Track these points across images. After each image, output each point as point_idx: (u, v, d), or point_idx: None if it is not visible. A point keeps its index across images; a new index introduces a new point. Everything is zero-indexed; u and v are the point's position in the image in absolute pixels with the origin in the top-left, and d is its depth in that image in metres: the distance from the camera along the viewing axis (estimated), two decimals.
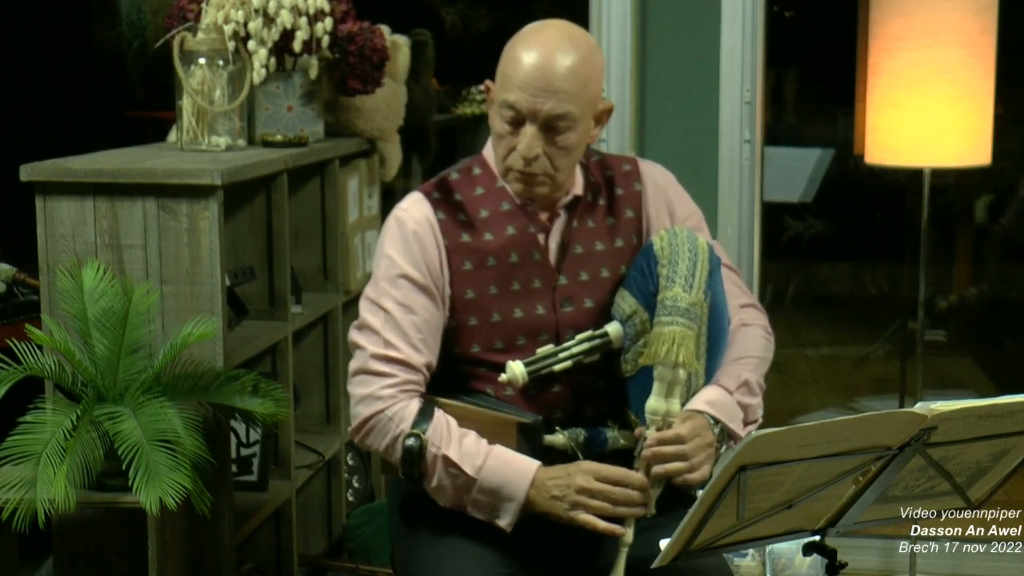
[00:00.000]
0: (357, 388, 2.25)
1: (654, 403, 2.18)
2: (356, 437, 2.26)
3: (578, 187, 2.32)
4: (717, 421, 2.21)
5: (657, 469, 2.16)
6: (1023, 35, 4.75)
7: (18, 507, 2.35)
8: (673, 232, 2.24)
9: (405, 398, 2.22)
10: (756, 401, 2.30)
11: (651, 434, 2.17)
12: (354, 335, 2.27)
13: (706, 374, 2.25)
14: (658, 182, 2.39)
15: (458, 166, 2.36)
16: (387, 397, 2.21)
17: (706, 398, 2.22)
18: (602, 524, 2.14)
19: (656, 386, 2.17)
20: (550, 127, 2.19)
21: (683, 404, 2.20)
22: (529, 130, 2.19)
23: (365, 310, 2.27)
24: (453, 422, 2.21)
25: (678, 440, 2.16)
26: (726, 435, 2.23)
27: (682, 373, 2.17)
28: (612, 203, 2.34)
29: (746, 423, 2.27)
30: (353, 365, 2.27)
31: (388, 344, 2.22)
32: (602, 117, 2.29)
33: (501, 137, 2.24)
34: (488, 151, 2.34)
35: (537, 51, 2.19)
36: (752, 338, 2.35)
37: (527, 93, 2.18)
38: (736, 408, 2.25)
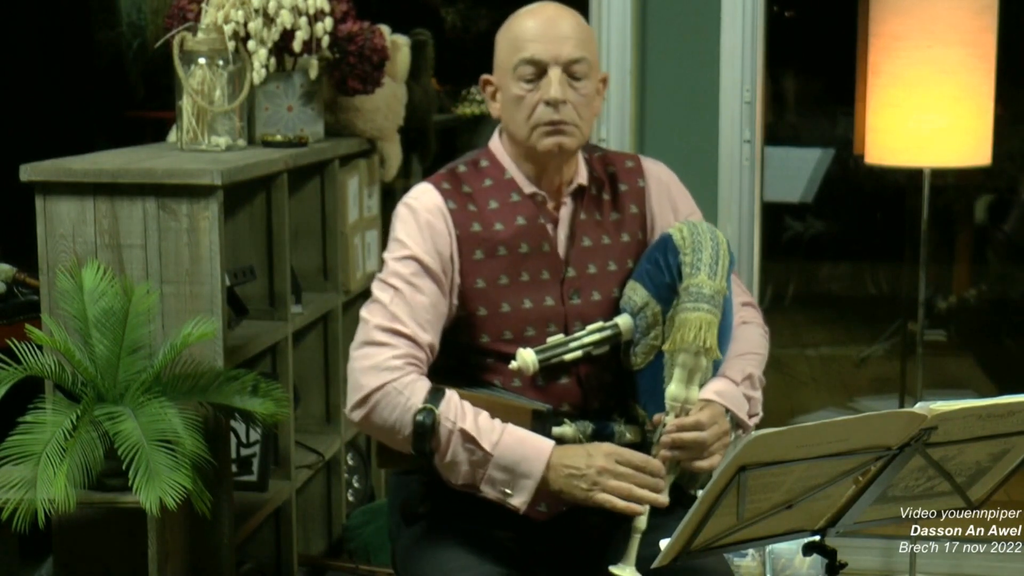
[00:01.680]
0: (361, 361, 2.20)
1: (675, 389, 2.18)
2: (358, 412, 2.19)
3: (582, 177, 2.34)
4: (728, 410, 2.23)
5: (674, 454, 2.17)
6: (1023, 35, 4.74)
7: (18, 507, 2.35)
8: (691, 224, 2.26)
9: (413, 372, 2.19)
10: (758, 395, 2.33)
11: (671, 420, 2.18)
12: (362, 311, 2.26)
13: (712, 367, 2.26)
14: (661, 179, 2.41)
15: (464, 159, 2.37)
16: (395, 368, 2.17)
17: (715, 388, 2.24)
18: (620, 503, 2.13)
19: (678, 372, 2.18)
20: (570, 73, 2.24)
21: None
22: (554, 74, 2.23)
23: (375, 289, 2.26)
24: (466, 401, 2.20)
25: (698, 427, 2.17)
26: (735, 424, 2.25)
27: (704, 360, 2.18)
28: (616, 198, 2.36)
29: (750, 415, 2.29)
30: (357, 338, 2.24)
31: (394, 317, 2.21)
32: (601, 87, 2.33)
33: (520, 99, 2.25)
34: (495, 144, 2.35)
35: (541, 14, 2.28)
36: (753, 336, 2.38)
37: (544, 43, 2.24)
38: (743, 399, 2.27)
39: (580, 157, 2.35)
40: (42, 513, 2.33)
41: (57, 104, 5.62)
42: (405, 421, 2.17)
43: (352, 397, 2.21)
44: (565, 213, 2.32)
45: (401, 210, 2.29)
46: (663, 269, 2.23)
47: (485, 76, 2.33)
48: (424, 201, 2.27)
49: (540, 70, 2.23)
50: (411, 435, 2.16)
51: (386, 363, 2.18)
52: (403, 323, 2.21)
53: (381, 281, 2.26)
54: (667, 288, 2.22)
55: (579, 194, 2.33)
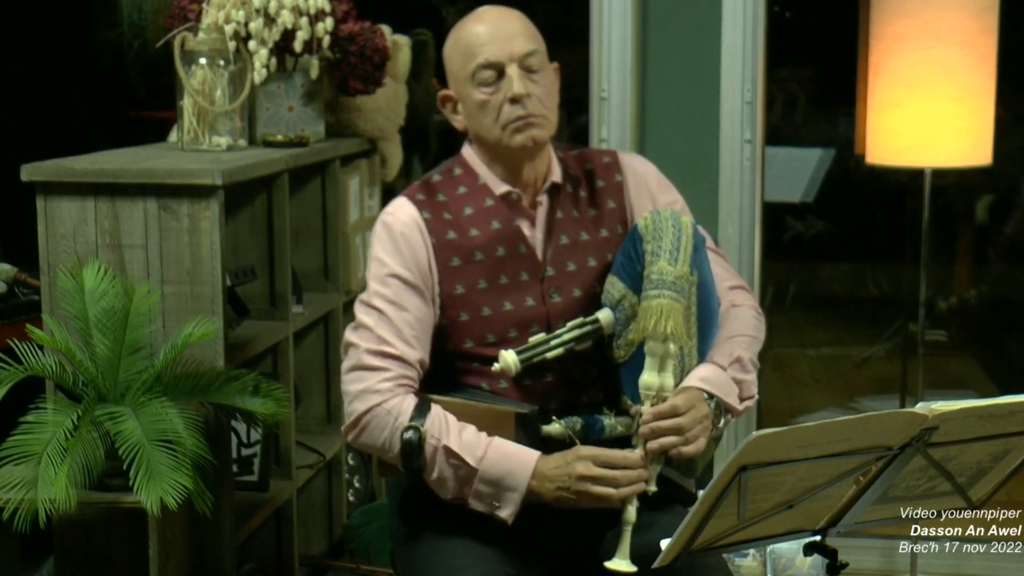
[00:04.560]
0: (352, 385, 2.25)
1: (647, 378, 2.19)
2: (351, 434, 2.26)
3: (556, 175, 2.35)
4: (712, 396, 2.23)
5: (653, 444, 2.17)
6: (1023, 35, 4.74)
7: (19, 507, 2.35)
8: (656, 212, 2.27)
9: (401, 392, 2.23)
10: (750, 378, 2.32)
11: (646, 409, 2.18)
12: (348, 335, 2.29)
13: (699, 354, 2.26)
14: (638, 172, 2.42)
15: (439, 168, 2.39)
16: (384, 391, 2.22)
17: (700, 375, 2.24)
18: (606, 504, 2.16)
19: (648, 361, 2.19)
20: (526, 67, 2.26)
21: (677, 382, 2.21)
22: (513, 71, 2.25)
23: (359, 312, 2.29)
24: (451, 415, 2.22)
25: (674, 412, 2.17)
26: (723, 409, 2.25)
27: (672, 347, 2.18)
28: (593, 194, 2.37)
29: (742, 399, 2.29)
30: (347, 363, 2.28)
31: (382, 340, 2.24)
32: (555, 77, 2.34)
33: (484, 104, 2.27)
34: (467, 151, 2.36)
35: (484, 18, 2.31)
36: (743, 317, 2.37)
37: (496, 44, 2.26)
38: (731, 384, 2.26)
39: (553, 155, 2.36)
40: (43, 513, 2.33)
41: (58, 104, 5.62)
42: (394, 441, 2.21)
43: (346, 420, 2.26)
44: (541, 212, 2.34)
45: (378, 228, 2.32)
46: (634, 259, 2.24)
47: (443, 92, 2.35)
48: (399, 215, 2.30)
49: (498, 71, 2.25)
50: (399, 454, 2.20)
51: (376, 386, 2.22)
52: (391, 344, 2.23)
53: (365, 304, 2.28)
54: (640, 278, 2.22)
55: (554, 192, 2.35)
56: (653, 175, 2.43)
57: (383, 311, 2.25)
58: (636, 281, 2.23)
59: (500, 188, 2.32)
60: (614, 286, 2.27)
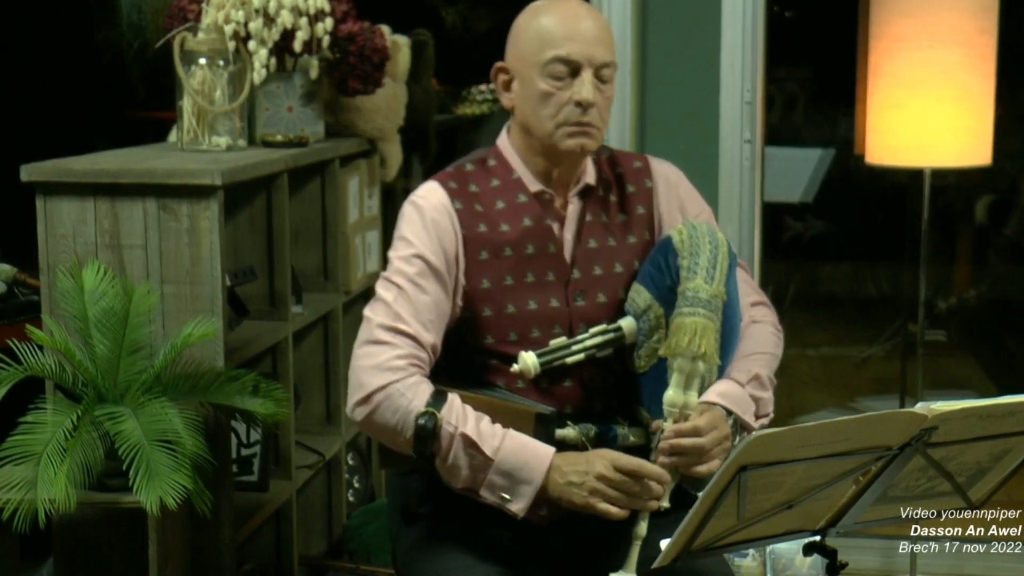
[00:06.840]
0: (364, 360, 2.18)
1: (672, 395, 2.17)
2: (362, 411, 2.17)
3: (590, 177, 2.34)
4: (731, 413, 2.22)
5: (665, 460, 2.16)
6: (1023, 35, 4.75)
7: (19, 507, 2.35)
8: (692, 226, 2.24)
9: (416, 373, 2.18)
10: (767, 395, 2.30)
11: (669, 426, 2.17)
12: (366, 310, 2.25)
13: (718, 369, 2.25)
14: (669, 179, 2.40)
15: (472, 157, 2.35)
16: (397, 369, 2.16)
17: (719, 391, 2.23)
18: (615, 510, 2.12)
19: (675, 377, 2.17)
20: (599, 76, 2.24)
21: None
22: (587, 76, 2.22)
23: (379, 287, 2.25)
24: (468, 406, 2.19)
25: (696, 432, 2.15)
26: (739, 427, 2.24)
27: (701, 366, 2.17)
28: (623, 199, 2.35)
29: (757, 416, 2.28)
30: (360, 336, 2.22)
31: (397, 316, 2.19)
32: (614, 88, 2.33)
33: (548, 96, 2.23)
34: (502, 142, 2.34)
35: (568, 9, 2.25)
36: (762, 335, 2.36)
37: (580, 43, 2.22)
38: (748, 401, 2.26)
39: (588, 157, 2.35)
40: (43, 513, 2.33)
41: (58, 104, 5.62)
42: (407, 423, 2.16)
43: (354, 395, 2.19)
44: (572, 213, 2.32)
45: (407, 208, 2.28)
46: (664, 271, 2.22)
47: (499, 64, 2.30)
48: (431, 200, 2.27)
49: (572, 69, 2.22)
50: (412, 438, 2.16)
51: (389, 363, 2.17)
52: (406, 322, 2.20)
53: (385, 279, 2.25)
54: (668, 291, 2.21)
55: (586, 194, 2.33)
56: (683, 184, 2.42)
57: (402, 288, 2.21)
58: (664, 293, 2.21)
59: (534, 186, 2.30)
60: (640, 295, 2.25)
